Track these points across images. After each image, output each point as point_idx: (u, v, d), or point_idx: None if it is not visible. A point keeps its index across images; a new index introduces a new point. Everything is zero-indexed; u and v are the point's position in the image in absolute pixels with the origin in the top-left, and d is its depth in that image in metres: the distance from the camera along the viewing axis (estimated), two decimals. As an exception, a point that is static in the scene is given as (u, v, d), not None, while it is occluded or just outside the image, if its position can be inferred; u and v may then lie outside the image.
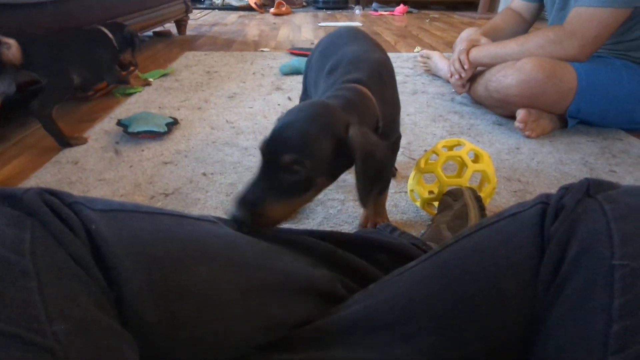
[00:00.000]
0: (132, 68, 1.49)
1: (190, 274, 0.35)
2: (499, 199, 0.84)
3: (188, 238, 0.36)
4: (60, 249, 0.29)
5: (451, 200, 0.62)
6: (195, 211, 0.80)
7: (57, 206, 0.31)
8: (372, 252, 0.47)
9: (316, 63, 0.75)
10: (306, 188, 0.47)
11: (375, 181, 0.50)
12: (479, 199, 0.62)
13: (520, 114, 1.11)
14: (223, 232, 0.40)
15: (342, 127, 0.47)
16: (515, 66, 1.11)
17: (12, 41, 0.98)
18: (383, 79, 0.61)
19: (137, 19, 1.79)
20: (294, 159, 0.44)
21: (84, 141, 1.08)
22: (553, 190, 0.36)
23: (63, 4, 1.30)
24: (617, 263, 0.29)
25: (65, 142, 1.06)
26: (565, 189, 0.35)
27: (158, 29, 2.36)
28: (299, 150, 0.45)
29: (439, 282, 0.36)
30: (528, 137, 1.13)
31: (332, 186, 0.86)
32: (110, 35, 1.31)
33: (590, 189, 0.34)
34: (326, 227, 0.75)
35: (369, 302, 0.37)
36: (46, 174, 0.93)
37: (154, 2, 2.08)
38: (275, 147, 0.46)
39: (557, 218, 0.33)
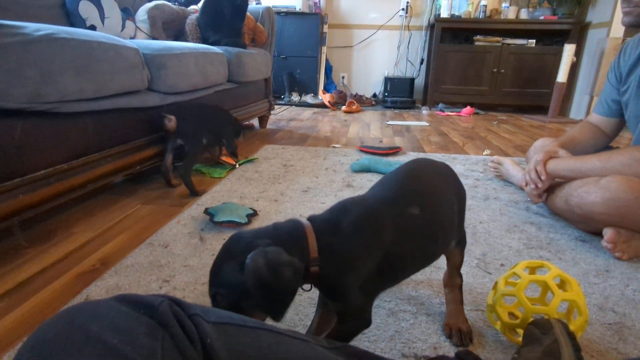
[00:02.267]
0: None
1: None
2: (592, 331, 0.77)
3: (285, 357, 0.39)
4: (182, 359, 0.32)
5: (539, 333, 0.58)
6: (268, 308, 0.82)
7: (182, 317, 0.35)
8: None
9: None
10: (243, 312, 0.46)
11: (277, 304, 0.49)
12: (571, 336, 0.57)
13: (609, 233, 1.05)
14: (314, 353, 0.41)
15: (246, 252, 0.49)
16: (600, 183, 1.07)
17: (172, 117, 1.44)
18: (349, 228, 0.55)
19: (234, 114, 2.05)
20: (214, 292, 0.52)
21: (203, 192, 1.48)
22: None
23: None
24: None
25: (196, 193, 1.46)
26: None
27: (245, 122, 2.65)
28: (214, 283, 0.53)
29: None
30: (619, 258, 1.04)
31: (403, 296, 0.86)
32: (228, 112, 1.82)
33: None
34: (398, 343, 0.73)
35: None
36: (140, 255, 1.02)
37: (247, 101, 2.37)
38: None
39: None
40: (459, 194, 0.73)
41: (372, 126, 3.07)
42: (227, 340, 0.36)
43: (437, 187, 0.66)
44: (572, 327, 0.66)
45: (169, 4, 2.31)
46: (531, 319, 0.66)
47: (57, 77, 1.00)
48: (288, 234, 0.54)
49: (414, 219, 0.59)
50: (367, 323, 0.58)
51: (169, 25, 2.29)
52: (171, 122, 1.44)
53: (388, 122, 3.25)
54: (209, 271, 0.54)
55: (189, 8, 2.48)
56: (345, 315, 0.57)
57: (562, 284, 0.73)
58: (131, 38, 2.09)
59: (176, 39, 2.35)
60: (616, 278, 0.96)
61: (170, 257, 1.01)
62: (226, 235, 1.13)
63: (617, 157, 1.11)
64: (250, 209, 1.26)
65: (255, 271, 0.47)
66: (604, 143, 1.42)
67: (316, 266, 0.53)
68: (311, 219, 0.58)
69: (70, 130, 1.11)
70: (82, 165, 1.15)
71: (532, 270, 0.76)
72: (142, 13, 2.16)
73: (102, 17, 1.84)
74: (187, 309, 0.37)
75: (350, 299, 0.55)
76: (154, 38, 2.18)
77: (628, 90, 1.25)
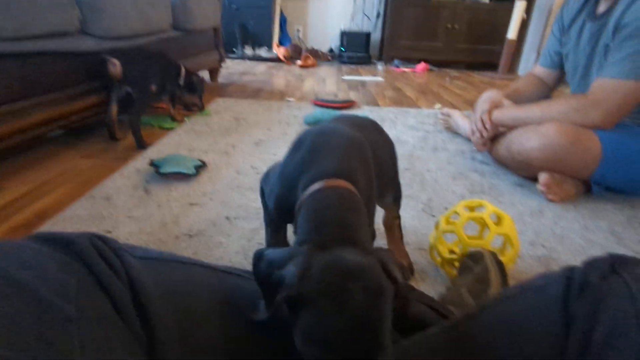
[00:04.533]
0: (195, 108, 1.82)
1: (216, 327, 0.36)
2: (522, 264, 0.83)
3: (218, 290, 0.38)
4: (102, 294, 0.31)
5: (472, 263, 0.62)
6: (217, 254, 0.82)
7: (105, 251, 0.33)
8: None
9: None
10: None
11: None
12: (500, 264, 0.61)
13: (543, 177, 1.12)
14: (250, 288, 0.41)
15: (392, 286, 0.35)
16: (539, 130, 1.13)
17: (116, 61, 1.31)
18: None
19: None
20: None
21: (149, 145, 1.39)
22: (578, 258, 0.36)
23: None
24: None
25: (143, 145, 1.37)
26: (590, 264, 0.36)
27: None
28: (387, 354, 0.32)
29: (459, 356, 0.36)
30: (551, 200, 1.12)
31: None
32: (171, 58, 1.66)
33: (615, 264, 0.34)
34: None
35: None
36: (80, 207, 0.97)
37: (195, 51, 2.23)
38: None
39: (582, 293, 0.34)
40: (390, 145, 0.73)
41: (327, 81, 3.02)
42: (156, 273, 0.35)
43: (373, 133, 0.65)
44: (504, 259, 0.71)
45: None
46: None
47: (-35, 10, 0.87)
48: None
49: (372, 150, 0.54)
50: None
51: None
52: (116, 67, 1.31)
53: (343, 77, 3.21)
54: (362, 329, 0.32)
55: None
56: None
57: (499, 221, 0.77)
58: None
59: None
60: (548, 217, 1.04)
61: (113, 209, 0.97)
62: (173, 187, 1.10)
63: (556, 105, 1.17)
64: (199, 160, 1.22)
65: None
66: (546, 94, 1.49)
67: None
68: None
69: (-13, 73, 1.00)
70: (5, 114, 1.04)
71: (472, 209, 0.80)
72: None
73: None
74: (112, 243, 0.35)
75: None
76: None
77: (569, 41, 1.30)
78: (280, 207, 0.51)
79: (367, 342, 0.31)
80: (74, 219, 0.91)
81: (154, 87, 1.47)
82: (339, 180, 0.42)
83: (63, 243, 0.32)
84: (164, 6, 1.81)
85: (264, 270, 0.35)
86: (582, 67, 1.24)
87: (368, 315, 0.32)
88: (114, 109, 1.38)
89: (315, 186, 0.42)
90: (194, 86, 1.74)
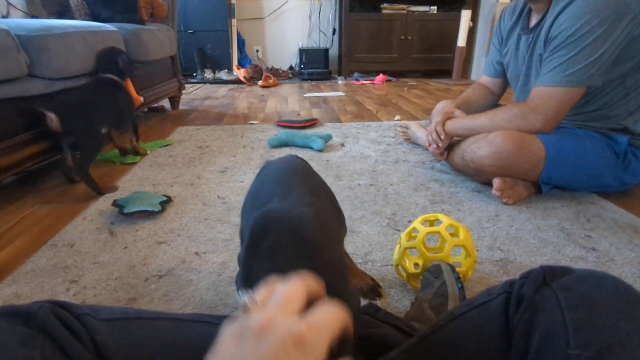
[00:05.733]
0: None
1: None
2: (482, 269, 0.88)
3: (183, 342, 0.39)
4: None
5: (432, 278, 0.66)
6: (188, 293, 0.82)
7: (67, 319, 0.34)
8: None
9: None
10: None
11: None
12: (457, 275, 0.65)
13: (496, 182, 1.19)
14: (217, 332, 0.42)
15: None
16: (487, 139, 1.20)
17: (53, 115, 1.25)
18: None
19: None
20: None
21: (114, 189, 1.32)
22: (533, 258, 0.40)
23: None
24: (573, 352, 0.32)
25: (100, 192, 1.28)
26: (525, 278, 0.39)
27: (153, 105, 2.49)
28: None
29: None
30: (506, 203, 1.19)
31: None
32: (120, 82, 1.58)
33: (547, 276, 0.38)
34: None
35: None
36: (42, 258, 0.94)
37: (152, 82, 2.21)
38: None
39: (519, 308, 0.37)
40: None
41: (289, 99, 3.06)
42: (121, 334, 0.36)
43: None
44: (463, 268, 0.76)
45: (46, -25, 2.04)
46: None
47: None
48: None
49: None
50: None
51: (49, 1, 2.03)
52: (53, 122, 1.24)
53: (305, 95, 3.27)
54: None
55: (71, -20, 2.21)
56: None
57: (455, 232, 0.82)
58: (4, 17, 1.83)
59: (61, 16, 2.10)
60: (503, 221, 1.10)
61: (78, 256, 0.95)
62: (139, 226, 1.08)
63: (501, 114, 1.24)
64: (164, 195, 1.21)
65: None
66: (494, 101, 1.58)
67: None
68: None
69: None
70: (-45, 167, 1.01)
71: (431, 223, 0.84)
72: (12, -13, 1.88)
73: (-40, -7, 1.57)
74: (74, 309, 0.36)
75: None
76: (32, 16, 1.93)
77: (508, 52, 1.40)
78: None
79: None
80: (36, 272, 0.89)
81: (104, 130, 1.42)
82: None
83: (24, 317, 0.33)
84: (115, 40, 1.80)
85: None
86: (523, 75, 1.33)
87: None
88: (67, 157, 1.33)
89: None
90: (129, 67, 1.65)
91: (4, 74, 1.16)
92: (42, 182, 1.43)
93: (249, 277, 0.42)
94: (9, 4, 1.86)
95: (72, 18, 2.04)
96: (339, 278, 0.43)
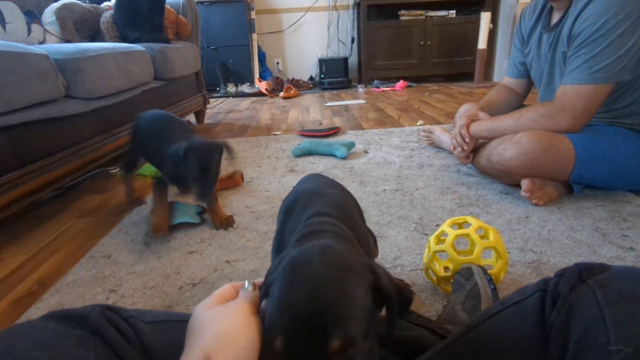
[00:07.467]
0: None
1: None
2: (514, 271, 0.86)
3: None
4: None
5: (463, 280, 0.65)
6: (220, 300, 0.84)
7: (117, 321, 0.36)
8: (387, 344, 0.50)
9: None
10: None
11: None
12: (489, 277, 0.65)
13: (525, 183, 1.17)
14: None
15: (367, 272, 0.35)
16: (514, 140, 1.18)
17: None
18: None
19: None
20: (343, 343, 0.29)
21: (141, 203, 1.37)
22: (567, 259, 0.39)
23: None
24: (613, 348, 0.32)
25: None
26: (560, 275, 0.39)
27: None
28: (347, 331, 0.29)
29: None
30: (536, 205, 1.17)
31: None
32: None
33: (582, 273, 0.38)
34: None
35: None
36: (82, 269, 0.99)
37: (178, 97, 2.29)
38: (312, 338, 0.29)
39: (555, 305, 0.37)
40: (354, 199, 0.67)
41: (311, 109, 3.10)
42: (165, 336, 0.38)
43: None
44: (495, 270, 0.75)
45: (79, 2, 2.16)
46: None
47: (-44, 94, 0.92)
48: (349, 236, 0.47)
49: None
50: None
51: (82, 25, 2.15)
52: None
53: (326, 104, 3.30)
54: (316, 314, 0.29)
55: (102, 5, 2.33)
56: None
57: (485, 234, 0.81)
58: (40, 43, 1.94)
59: (92, 39, 2.21)
60: (534, 222, 1.08)
61: (115, 267, 0.99)
62: (171, 237, 1.12)
63: (526, 114, 1.22)
64: (198, 205, 1.25)
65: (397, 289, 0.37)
66: (518, 102, 1.56)
67: None
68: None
69: (-19, 150, 1.03)
70: (1, 185, 1.07)
71: (460, 225, 0.83)
72: (49, 14, 2.00)
73: (3, 23, 1.68)
74: (122, 312, 0.38)
75: None
76: (66, 41, 2.04)
77: (530, 52, 1.38)
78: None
79: (324, 317, 0.28)
80: (78, 282, 0.93)
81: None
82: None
83: (77, 320, 0.35)
84: (144, 60, 1.88)
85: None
86: (546, 74, 1.31)
87: (327, 285, 0.29)
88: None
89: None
90: None
91: (44, 96, 1.23)
92: (79, 197, 1.50)
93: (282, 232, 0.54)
94: (45, 30, 1.97)
95: (103, 40, 2.14)
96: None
